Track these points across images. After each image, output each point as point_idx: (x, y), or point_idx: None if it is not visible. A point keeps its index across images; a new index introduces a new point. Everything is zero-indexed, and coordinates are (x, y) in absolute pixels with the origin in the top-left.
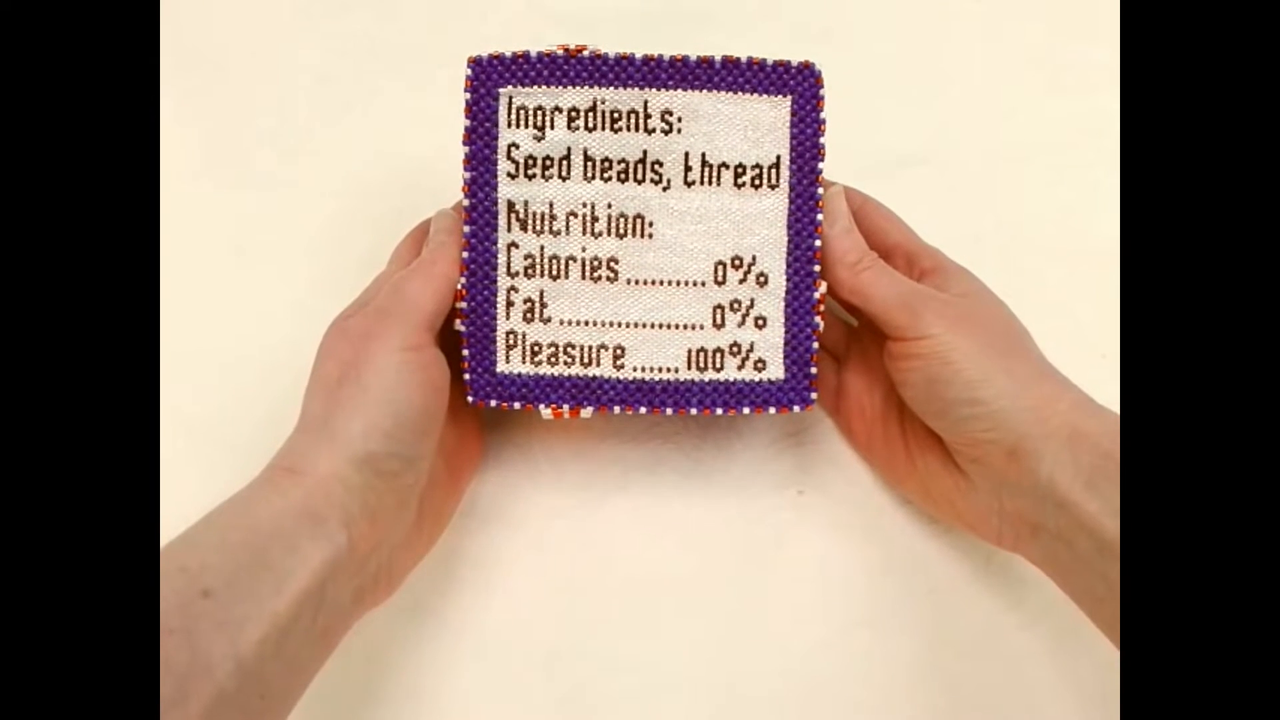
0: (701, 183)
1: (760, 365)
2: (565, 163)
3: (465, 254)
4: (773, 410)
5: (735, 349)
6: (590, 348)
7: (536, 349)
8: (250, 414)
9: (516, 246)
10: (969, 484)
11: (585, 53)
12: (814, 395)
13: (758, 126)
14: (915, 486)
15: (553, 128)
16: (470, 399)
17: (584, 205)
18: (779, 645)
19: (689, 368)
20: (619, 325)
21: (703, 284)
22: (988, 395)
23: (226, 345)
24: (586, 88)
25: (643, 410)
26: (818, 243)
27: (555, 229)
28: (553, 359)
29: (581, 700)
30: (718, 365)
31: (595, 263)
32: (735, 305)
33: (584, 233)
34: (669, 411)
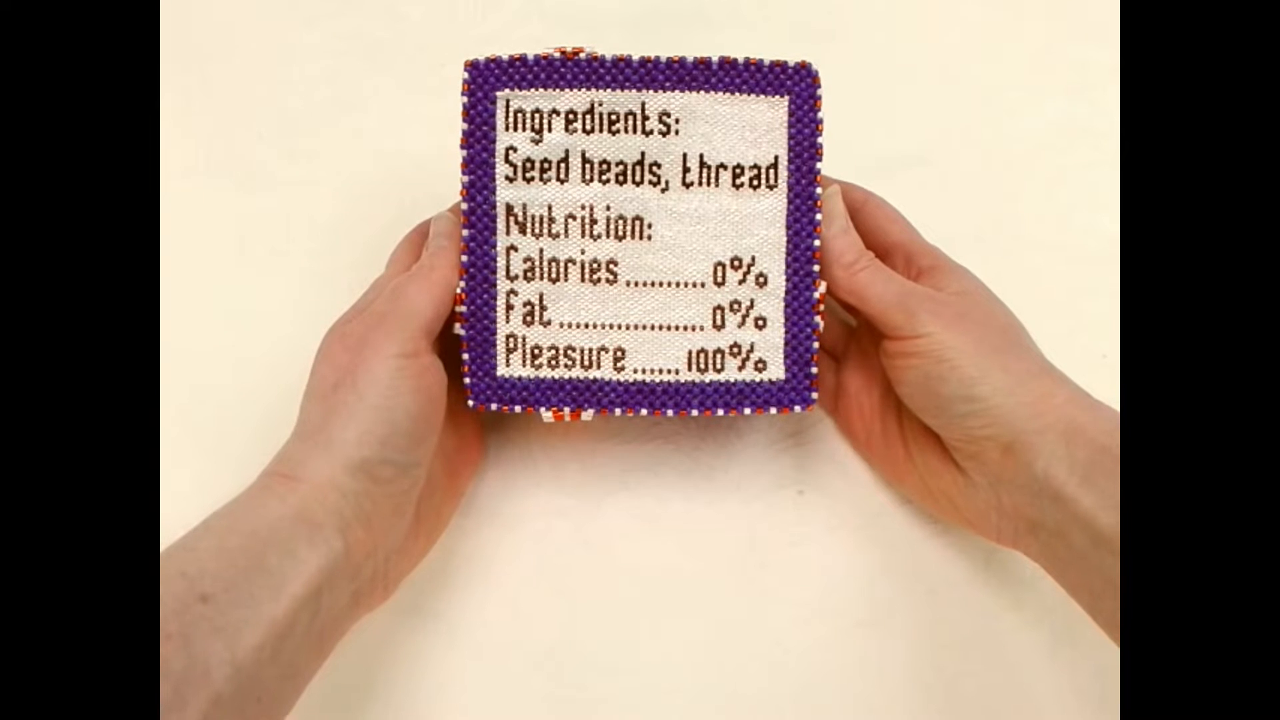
0: (700, 184)
1: (761, 366)
2: (563, 165)
3: (464, 258)
4: (774, 411)
5: (735, 350)
6: (590, 350)
7: (537, 352)
8: (250, 414)
9: (515, 249)
10: (967, 480)
11: (582, 55)
12: (815, 395)
13: (755, 127)
14: (914, 484)
15: (550, 130)
16: (470, 403)
17: (583, 207)
18: (779, 645)
19: (689, 369)
20: (619, 327)
21: (702, 285)
22: (984, 392)
23: (226, 345)
24: (584, 90)
25: (644, 412)
26: (817, 243)
27: (554, 231)
28: (553, 362)
29: (581, 700)
30: (718, 366)
31: (595, 265)
32: (735, 306)
33: (583, 235)
34: (670, 413)
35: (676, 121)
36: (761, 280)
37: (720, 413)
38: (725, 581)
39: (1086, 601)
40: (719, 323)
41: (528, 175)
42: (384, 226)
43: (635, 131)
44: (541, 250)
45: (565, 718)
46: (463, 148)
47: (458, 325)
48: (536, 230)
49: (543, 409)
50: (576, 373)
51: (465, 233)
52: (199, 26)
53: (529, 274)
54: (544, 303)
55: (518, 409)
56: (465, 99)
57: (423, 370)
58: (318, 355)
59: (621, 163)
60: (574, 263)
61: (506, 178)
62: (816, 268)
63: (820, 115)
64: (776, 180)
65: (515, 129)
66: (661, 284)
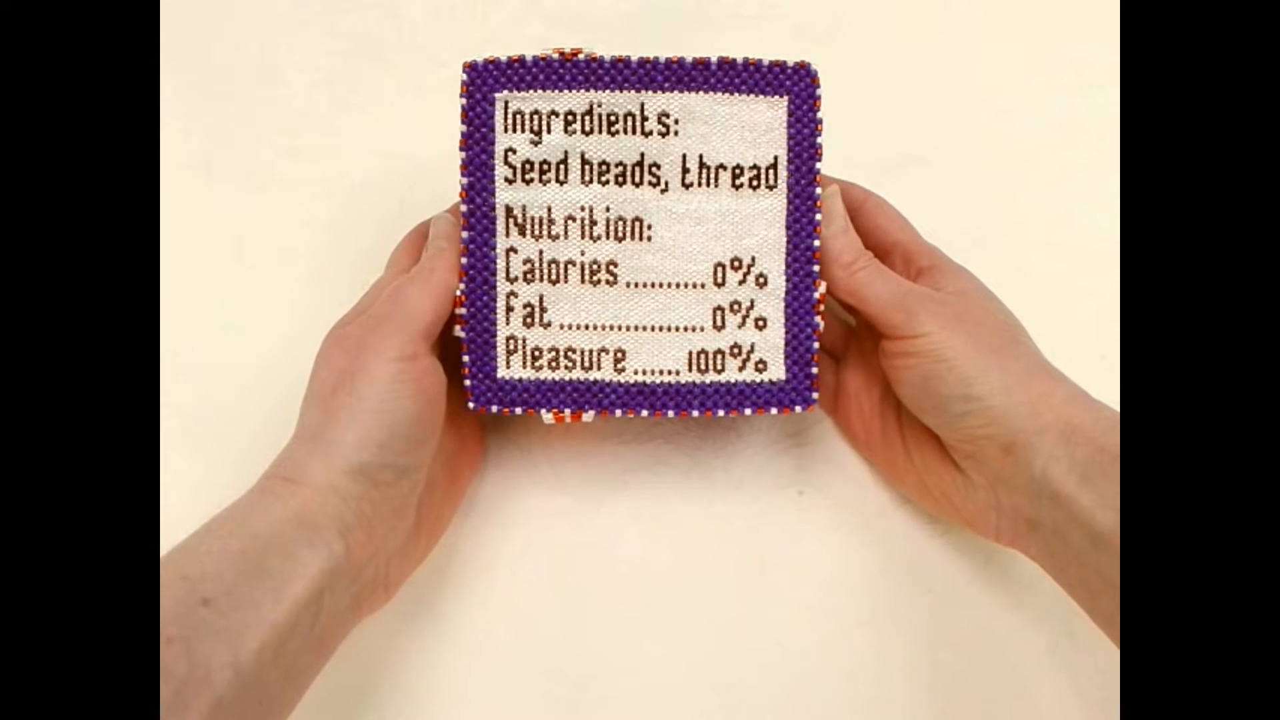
0: (699, 184)
1: (761, 366)
2: (563, 167)
3: (464, 260)
4: (774, 411)
5: (736, 350)
6: (591, 351)
7: (537, 354)
8: (250, 416)
9: (515, 251)
10: (966, 480)
11: (581, 56)
12: (815, 395)
13: (755, 127)
14: (913, 483)
15: (549, 132)
16: (471, 405)
17: (582, 209)
18: (779, 645)
19: (690, 370)
20: (619, 328)
21: (702, 286)
22: (982, 391)
23: (226, 346)
24: (583, 91)
25: (644, 413)
26: (817, 243)
27: (554, 233)
28: (553, 363)
29: (581, 700)
30: (719, 367)
31: (594, 266)
32: (735, 306)
33: (583, 236)
34: (671, 414)
35: (676, 122)
36: (761, 280)
37: (721, 413)
38: (725, 581)
39: (1085, 601)
40: (719, 323)
41: (527, 177)
42: (384, 227)
43: (634, 132)
44: (541, 252)
45: (565, 718)
46: (462, 149)
47: (458, 327)
48: (536, 232)
49: (543, 411)
50: (577, 374)
51: (465, 235)
52: (199, 26)
53: (529, 276)
54: (544, 304)
55: (518, 411)
56: (464, 100)
57: (422, 373)
58: (317, 358)
59: (621, 164)
60: (574, 264)
61: (506, 179)
62: (816, 268)
63: (820, 115)
64: (776, 180)
65: (514, 130)
66: (661, 285)
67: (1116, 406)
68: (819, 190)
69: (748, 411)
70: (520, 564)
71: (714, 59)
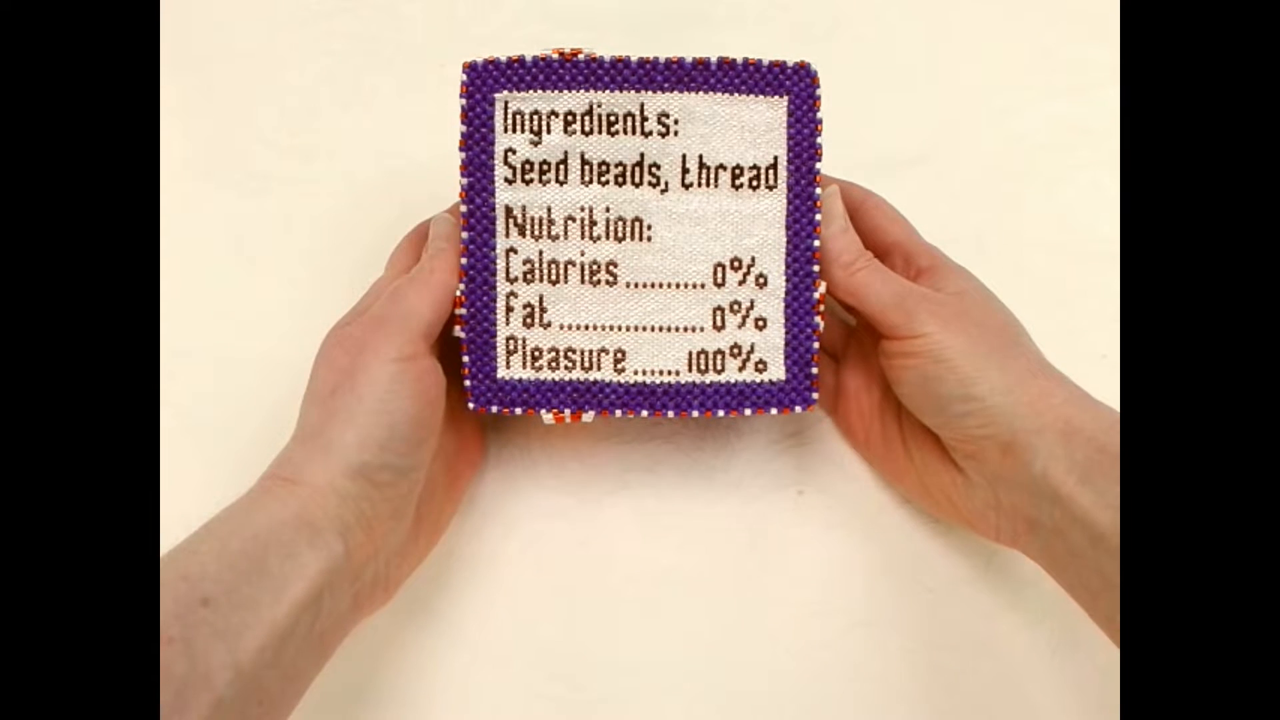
0: (699, 185)
1: (761, 366)
2: (563, 167)
3: (464, 260)
4: (774, 411)
5: (736, 350)
6: (591, 352)
7: (537, 354)
8: (250, 416)
9: (515, 252)
10: (966, 480)
11: (580, 56)
12: (815, 395)
13: (754, 127)
14: (913, 483)
15: (549, 132)
16: (471, 405)
17: (582, 209)
18: (779, 645)
19: (690, 370)
20: (619, 329)
21: (702, 286)
22: (981, 392)
23: (226, 346)
24: (582, 91)
25: (644, 414)
26: (817, 243)
27: (554, 233)
28: (553, 364)
29: (581, 700)
30: (719, 367)
31: (594, 266)
32: (735, 307)
33: (582, 237)
34: (671, 414)
35: (675, 122)
36: (761, 281)
37: (721, 413)
38: (725, 581)
39: (1084, 600)
40: (719, 323)
41: (527, 177)
42: (384, 227)
43: (634, 133)
44: (541, 252)
45: (565, 718)
46: (461, 150)
47: (457, 328)
48: (536, 232)
49: (543, 411)
50: (577, 374)
51: (464, 235)
52: (199, 27)
53: (529, 276)
54: (544, 304)
55: (518, 411)
56: (464, 101)
57: (422, 374)
58: (317, 358)
59: (621, 164)
60: (574, 264)
61: (505, 179)
62: (816, 268)
63: (820, 115)
64: (776, 181)
65: (514, 131)
66: (661, 285)
67: (1116, 406)
68: (819, 190)
69: (747, 411)
70: (520, 564)
71: (714, 59)
